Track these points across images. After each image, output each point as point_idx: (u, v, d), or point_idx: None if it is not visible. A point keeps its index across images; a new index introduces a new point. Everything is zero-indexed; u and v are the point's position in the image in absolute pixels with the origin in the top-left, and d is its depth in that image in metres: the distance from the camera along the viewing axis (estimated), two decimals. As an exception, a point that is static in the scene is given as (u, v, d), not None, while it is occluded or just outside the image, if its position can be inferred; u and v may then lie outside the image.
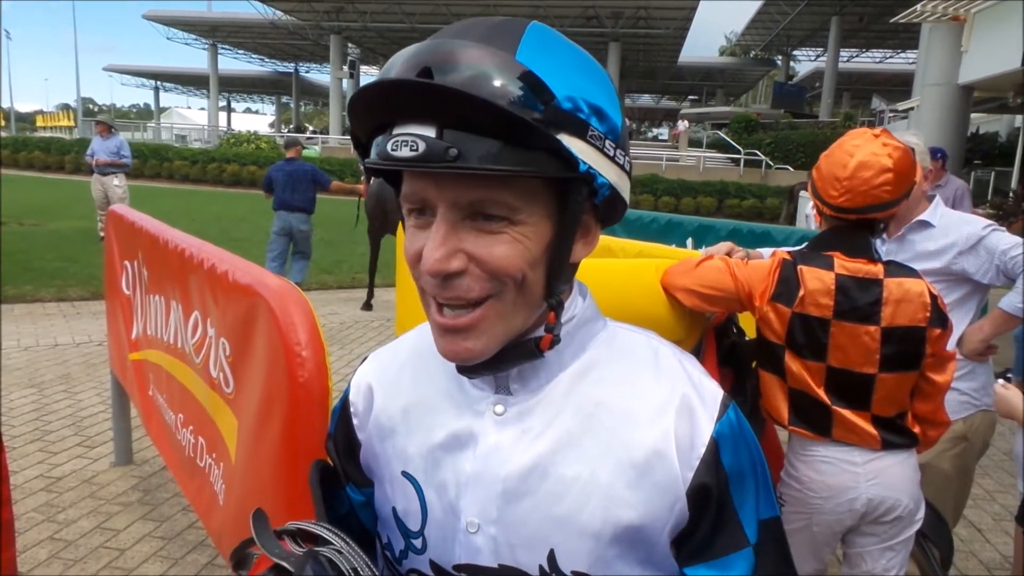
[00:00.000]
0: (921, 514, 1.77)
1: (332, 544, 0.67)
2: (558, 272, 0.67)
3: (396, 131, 0.61)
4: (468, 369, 0.71)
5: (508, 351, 0.69)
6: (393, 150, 0.60)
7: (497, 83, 0.58)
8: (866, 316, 1.62)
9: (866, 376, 1.64)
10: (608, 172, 0.66)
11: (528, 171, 0.60)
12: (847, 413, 1.67)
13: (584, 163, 0.63)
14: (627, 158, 0.69)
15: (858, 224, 1.68)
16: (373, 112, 0.63)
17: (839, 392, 1.67)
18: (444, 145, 0.58)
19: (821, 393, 1.67)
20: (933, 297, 1.65)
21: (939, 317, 1.64)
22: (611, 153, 0.66)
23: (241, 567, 0.69)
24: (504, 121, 0.58)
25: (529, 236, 0.64)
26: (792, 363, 1.69)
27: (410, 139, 0.59)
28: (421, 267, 0.64)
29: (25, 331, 6.05)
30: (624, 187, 0.70)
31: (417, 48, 0.61)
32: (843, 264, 1.66)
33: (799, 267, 1.67)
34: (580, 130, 0.62)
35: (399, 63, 0.61)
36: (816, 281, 1.65)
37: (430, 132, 0.59)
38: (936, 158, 5.56)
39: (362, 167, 0.71)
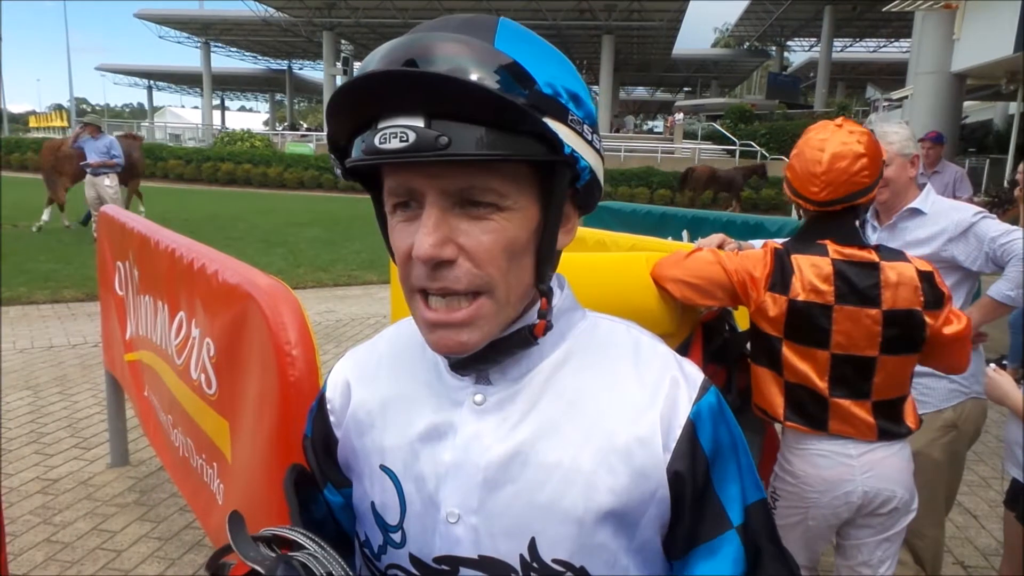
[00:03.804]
0: (915, 504, 1.77)
1: (307, 548, 0.66)
2: (547, 257, 0.69)
3: (382, 124, 0.60)
4: (460, 365, 0.71)
5: (501, 342, 0.69)
6: (381, 143, 0.60)
7: (481, 70, 0.59)
8: (867, 299, 1.62)
9: (868, 359, 1.64)
10: (588, 156, 0.67)
11: (517, 155, 0.61)
12: (846, 403, 1.66)
13: (568, 146, 0.64)
14: (601, 144, 0.71)
15: (843, 211, 1.68)
16: (357, 107, 0.62)
17: (840, 381, 1.66)
18: (434, 134, 0.58)
19: (820, 384, 1.66)
20: (922, 276, 1.64)
21: (934, 299, 1.63)
22: (589, 137, 0.67)
23: None
24: (492, 107, 0.59)
25: (517, 222, 0.65)
26: (791, 355, 1.68)
27: (399, 130, 0.59)
28: (413, 254, 0.63)
29: (20, 333, 6.03)
30: (600, 171, 0.71)
31: (396, 43, 0.61)
32: (837, 250, 1.66)
33: (792, 256, 1.67)
34: (561, 115, 0.63)
35: (378, 58, 0.61)
36: (812, 268, 1.65)
37: (418, 122, 0.59)
38: (939, 143, 5.55)
39: (338, 172, 0.70)
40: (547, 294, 0.70)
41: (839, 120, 1.71)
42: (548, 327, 0.70)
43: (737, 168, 18.67)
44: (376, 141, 0.60)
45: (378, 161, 0.61)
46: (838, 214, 1.68)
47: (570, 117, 0.64)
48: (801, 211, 1.80)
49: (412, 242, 0.64)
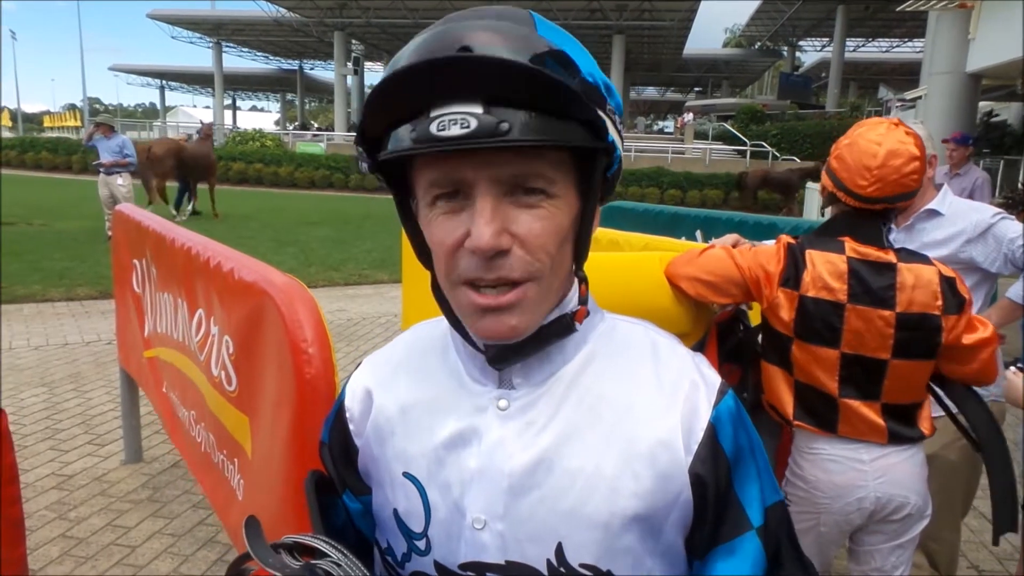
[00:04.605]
0: (929, 510, 1.74)
1: (330, 556, 0.66)
2: (586, 244, 0.70)
3: (436, 112, 0.59)
4: (499, 359, 0.70)
5: (543, 330, 0.69)
6: (439, 130, 0.58)
7: (535, 57, 0.59)
8: (881, 300, 1.59)
9: (878, 361, 1.61)
10: (620, 145, 0.69)
11: (570, 142, 0.62)
12: (856, 404, 1.64)
13: (610, 134, 0.65)
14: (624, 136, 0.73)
15: (875, 212, 1.65)
16: (407, 96, 0.60)
17: (849, 381, 1.63)
18: (495, 120, 0.58)
19: (830, 384, 1.64)
20: (944, 280, 1.61)
21: (955, 303, 1.60)
22: (620, 128, 0.69)
23: None
24: (548, 92, 0.58)
25: (562, 209, 0.65)
26: (800, 354, 1.66)
27: (459, 117, 0.58)
28: (469, 245, 0.62)
29: (35, 331, 6.09)
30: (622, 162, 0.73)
31: (439, 31, 0.61)
32: (855, 248, 1.64)
33: (807, 251, 1.65)
34: (602, 103, 0.65)
35: (418, 49, 0.60)
36: (826, 264, 1.62)
37: (477, 108, 0.58)
38: (964, 144, 5.45)
39: (365, 166, 0.69)
40: (585, 280, 0.71)
41: (895, 119, 1.67)
42: (587, 313, 0.71)
43: (792, 169, 18.33)
44: (432, 129, 0.59)
45: (434, 150, 0.59)
46: (870, 214, 1.65)
47: (608, 107, 0.66)
48: (828, 209, 1.76)
49: (459, 234, 0.63)
